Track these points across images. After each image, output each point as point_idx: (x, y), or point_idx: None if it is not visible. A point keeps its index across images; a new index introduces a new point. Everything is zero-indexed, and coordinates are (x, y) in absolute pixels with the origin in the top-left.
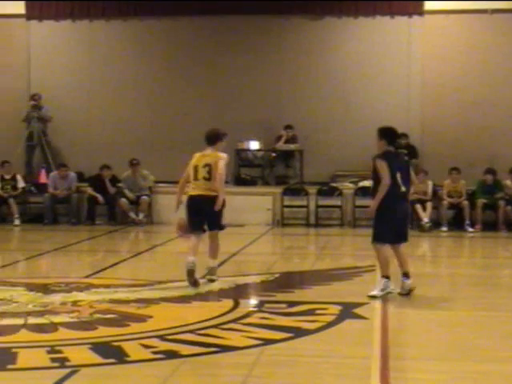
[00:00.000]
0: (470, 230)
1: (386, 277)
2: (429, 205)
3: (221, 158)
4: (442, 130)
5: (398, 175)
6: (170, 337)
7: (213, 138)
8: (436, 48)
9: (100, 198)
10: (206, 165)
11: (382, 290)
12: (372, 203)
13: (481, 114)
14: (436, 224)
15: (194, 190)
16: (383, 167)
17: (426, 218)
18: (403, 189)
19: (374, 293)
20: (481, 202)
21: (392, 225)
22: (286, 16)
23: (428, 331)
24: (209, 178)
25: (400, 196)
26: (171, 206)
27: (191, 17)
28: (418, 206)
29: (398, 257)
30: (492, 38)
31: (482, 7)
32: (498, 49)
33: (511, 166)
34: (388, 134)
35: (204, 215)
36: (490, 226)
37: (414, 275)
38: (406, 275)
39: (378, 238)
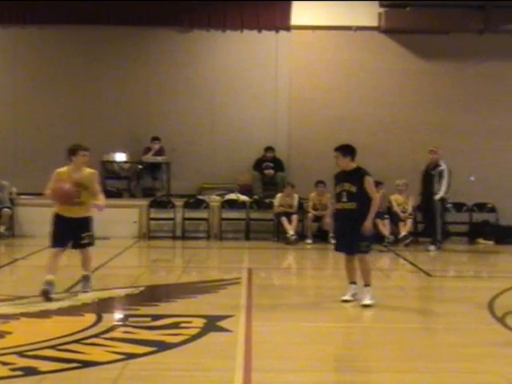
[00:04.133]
0: (334, 242)
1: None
2: (294, 217)
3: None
4: (308, 143)
5: None
6: (29, 353)
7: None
8: (303, 63)
9: None
10: None
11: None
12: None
13: (346, 129)
14: (301, 236)
15: None
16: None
17: (291, 230)
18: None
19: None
20: None
21: None
22: (154, 27)
23: (291, 343)
24: None
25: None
26: (33, 219)
27: (57, 25)
28: (284, 219)
29: None
30: (356, 54)
31: (347, 24)
32: (362, 65)
33: (374, 180)
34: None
35: None
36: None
37: (278, 287)
38: None
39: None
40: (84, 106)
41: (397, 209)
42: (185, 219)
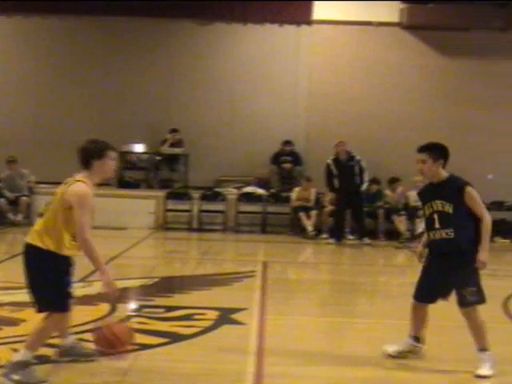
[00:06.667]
0: (350, 237)
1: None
2: (313, 213)
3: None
4: (326, 138)
5: None
6: None
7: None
8: (323, 58)
9: None
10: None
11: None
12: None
13: (365, 125)
14: (318, 231)
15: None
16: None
17: (310, 226)
18: None
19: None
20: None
21: None
22: (175, 20)
23: (303, 338)
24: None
25: None
26: None
27: (78, 16)
28: (302, 214)
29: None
30: (377, 50)
31: (368, 19)
32: (383, 61)
33: (391, 177)
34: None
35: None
36: (369, 234)
37: (293, 281)
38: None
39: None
40: (104, 96)
41: (414, 205)
42: (201, 211)
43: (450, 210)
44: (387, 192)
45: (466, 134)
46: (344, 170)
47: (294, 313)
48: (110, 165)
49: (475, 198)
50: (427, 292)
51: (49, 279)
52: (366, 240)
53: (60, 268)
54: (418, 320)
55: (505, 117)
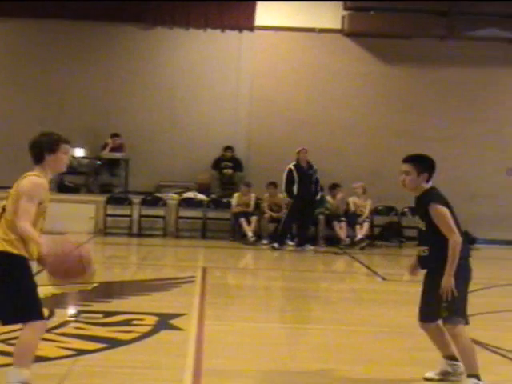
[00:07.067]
0: (290, 243)
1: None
2: (253, 219)
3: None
4: (268, 144)
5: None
6: None
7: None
8: (266, 64)
9: None
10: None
11: None
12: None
13: (307, 131)
14: (258, 236)
15: None
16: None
17: (250, 232)
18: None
19: None
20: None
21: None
22: (116, 23)
23: (242, 344)
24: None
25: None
26: None
27: (20, 19)
28: (243, 220)
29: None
30: (321, 56)
31: (310, 26)
32: (326, 67)
33: (332, 183)
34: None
35: None
36: (310, 240)
37: (233, 287)
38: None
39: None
40: (45, 99)
41: (354, 211)
42: (141, 216)
43: (423, 228)
44: (328, 198)
45: (409, 141)
46: (303, 178)
47: (233, 318)
48: (63, 159)
49: (441, 216)
50: (420, 309)
51: (26, 285)
52: (309, 246)
53: (31, 271)
54: (437, 341)
55: (447, 123)
